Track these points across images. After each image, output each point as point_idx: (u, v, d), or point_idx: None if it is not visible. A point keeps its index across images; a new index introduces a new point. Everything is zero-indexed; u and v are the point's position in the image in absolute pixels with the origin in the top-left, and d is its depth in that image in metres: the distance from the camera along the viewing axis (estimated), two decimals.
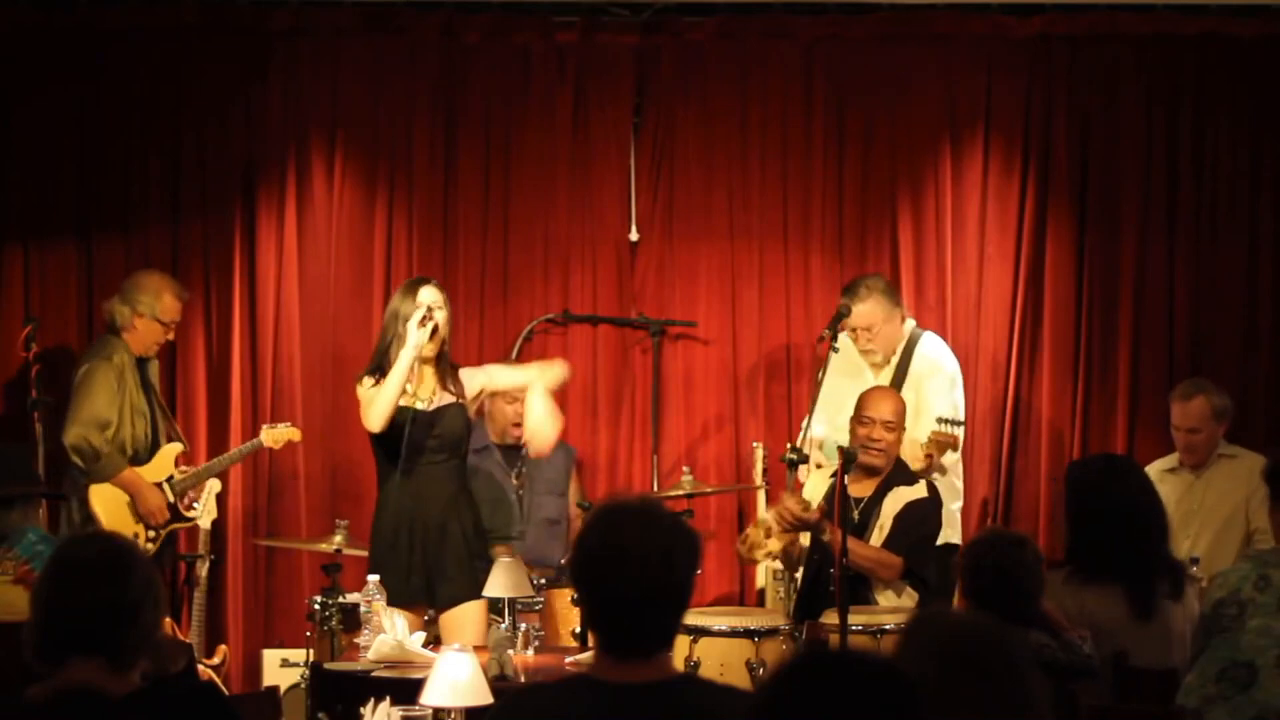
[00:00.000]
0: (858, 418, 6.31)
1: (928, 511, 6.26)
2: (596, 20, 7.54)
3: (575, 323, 7.64)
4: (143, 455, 6.84)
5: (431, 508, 5.96)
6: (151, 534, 6.77)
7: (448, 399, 6.00)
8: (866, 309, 6.75)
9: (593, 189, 7.64)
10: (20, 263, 7.46)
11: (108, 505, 6.72)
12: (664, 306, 7.63)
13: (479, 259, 7.63)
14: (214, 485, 6.96)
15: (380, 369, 5.94)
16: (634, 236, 7.62)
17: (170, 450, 6.92)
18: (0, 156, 7.45)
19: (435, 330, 5.89)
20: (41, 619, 3.20)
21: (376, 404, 5.87)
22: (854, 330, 6.78)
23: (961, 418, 6.73)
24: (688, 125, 7.64)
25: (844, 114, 7.64)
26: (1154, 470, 6.73)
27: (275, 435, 6.97)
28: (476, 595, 5.80)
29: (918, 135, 7.60)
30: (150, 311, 6.86)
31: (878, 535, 6.16)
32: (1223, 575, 4.37)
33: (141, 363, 6.91)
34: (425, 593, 5.91)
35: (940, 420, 6.44)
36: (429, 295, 5.93)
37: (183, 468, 6.93)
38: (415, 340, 5.83)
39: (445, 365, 6.04)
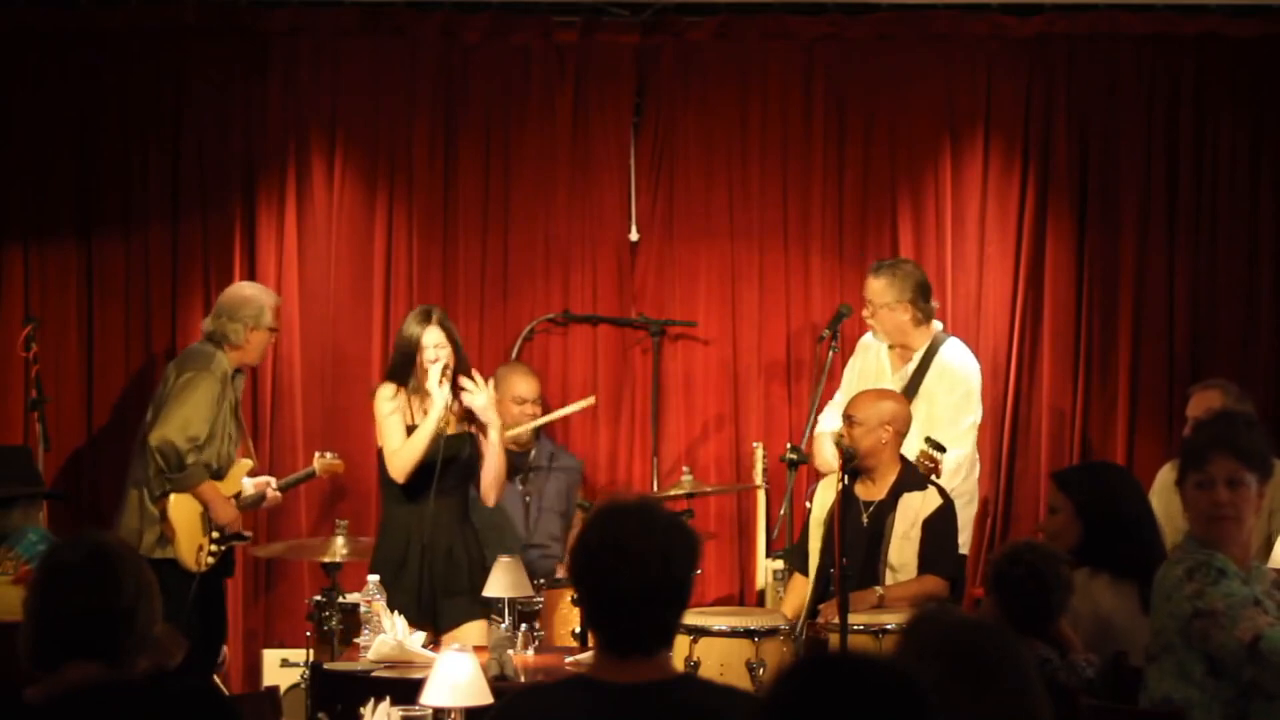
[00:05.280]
0: None
1: (952, 521, 6.18)
2: (596, 20, 7.54)
3: (575, 323, 7.64)
4: (223, 473, 6.72)
5: (440, 534, 5.96)
6: (214, 547, 6.64)
7: (461, 428, 6.00)
8: (877, 285, 6.75)
9: (593, 189, 7.64)
10: (20, 263, 7.46)
11: (181, 512, 6.57)
12: (664, 306, 7.63)
13: (479, 259, 7.63)
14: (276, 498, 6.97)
15: (398, 379, 5.95)
16: (634, 236, 7.62)
17: (240, 467, 6.79)
18: (0, 156, 7.45)
19: (453, 379, 5.91)
20: (35, 626, 3.15)
21: (404, 460, 5.88)
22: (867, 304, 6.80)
23: (960, 431, 6.66)
24: (688, 125, 7.64)
25: (844, 114, 7.64)
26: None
27: (325, 464, 6.88)
28: (478, 616, 5.84)
29: (918, 135, 7.60)
30: (263, 322, 6.71)
31: (899, 544, 6.06)
32: None
33: (231, 378, 6.76)
34: (429, 615, 5.89)
35: (926, 440, 6.36)
36: (433, 338, 5.89)
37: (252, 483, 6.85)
38: (440, 401, 5.85)
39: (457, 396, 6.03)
